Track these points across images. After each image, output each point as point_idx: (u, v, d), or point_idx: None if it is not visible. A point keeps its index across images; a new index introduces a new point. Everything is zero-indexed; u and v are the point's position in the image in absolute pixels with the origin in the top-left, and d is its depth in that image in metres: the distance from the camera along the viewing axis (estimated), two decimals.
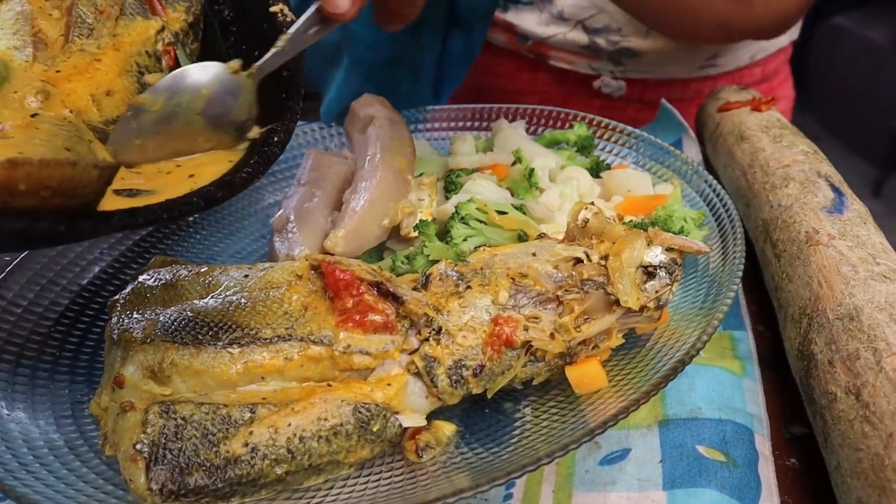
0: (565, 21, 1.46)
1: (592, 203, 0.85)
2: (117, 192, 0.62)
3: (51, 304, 0.86)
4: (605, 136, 1.18)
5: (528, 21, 1.50)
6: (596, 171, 1.09)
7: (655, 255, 0.79)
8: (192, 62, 0.79)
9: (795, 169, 0.96)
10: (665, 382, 0.70)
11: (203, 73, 0.72)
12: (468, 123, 1.24)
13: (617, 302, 0.76)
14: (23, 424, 0.71)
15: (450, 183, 1.04)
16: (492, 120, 1.24)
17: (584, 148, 1.16)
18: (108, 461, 0.69)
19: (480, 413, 0.77)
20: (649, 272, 0.78)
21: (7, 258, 0.90)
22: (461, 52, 1.38)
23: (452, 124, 1.24)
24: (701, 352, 0.84)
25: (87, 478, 0.67)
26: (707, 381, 0.82)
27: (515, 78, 1.61)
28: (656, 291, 0.78)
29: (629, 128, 1.17)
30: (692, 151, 1.27)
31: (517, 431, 0.74)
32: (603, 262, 0.79)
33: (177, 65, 0.77)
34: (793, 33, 1.57)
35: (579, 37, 1.47)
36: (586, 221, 0.83)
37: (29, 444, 0.69)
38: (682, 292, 0.88)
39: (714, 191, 1.00)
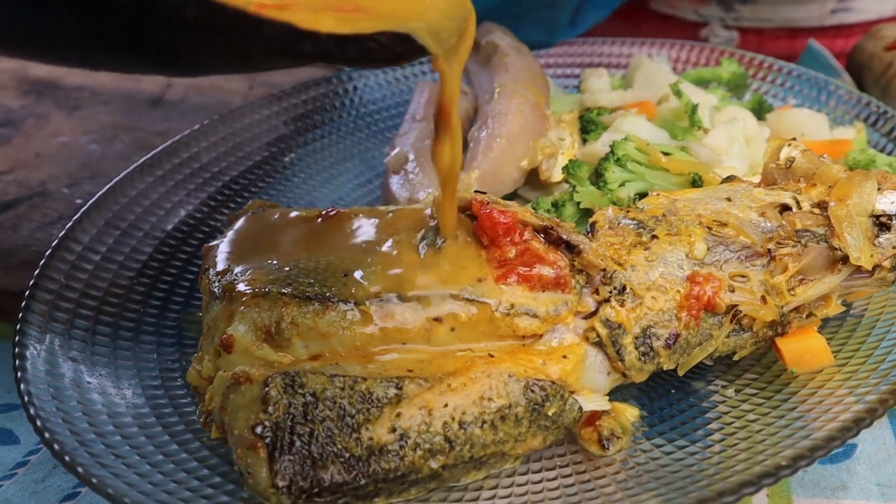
0: None
1: (795, 139, 0.68)
2: None
3: (132, 252, 0.73)
4: (760, 76, 1.01)
5: None
6: (759, 112, 0.92)
7: (892, 203, 0.62)
8: None
9: None
10: None
11: None
12: (595, 59, 1.07)
13: (843, 259, 0.60)
14: (107, 396, 0.57)
15: (588, 122, 0.88)
16: (621, 56, 1.07)
17: (737, 87, 0.99)
18: (211, 444, 0.55)
19: (665, 394, 0.62)
20: (883, 223, 0.61)
21: (79, 200, 0.76)
22: None
23: (573, 59, 1.07)
24: None
25: (187, 465, 0.53)
26: None
27: (610, 25, 1.41)
28: (894, 247, 0.61)
29: (789, 65, 1.00)
30: None
31: (722, 420, 0.58)
32: (818, 210, 0.62)
33: None
34: None
35: None
36: (791, 161, 0.66)
37: (116, 422, 0.55)
38: None
39: None
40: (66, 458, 0.48)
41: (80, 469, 0.48)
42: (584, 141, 0.86)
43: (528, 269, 0.57)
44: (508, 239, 0.57)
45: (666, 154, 0.77)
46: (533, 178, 0.82)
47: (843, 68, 1.14)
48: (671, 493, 0.49)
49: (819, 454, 0.50)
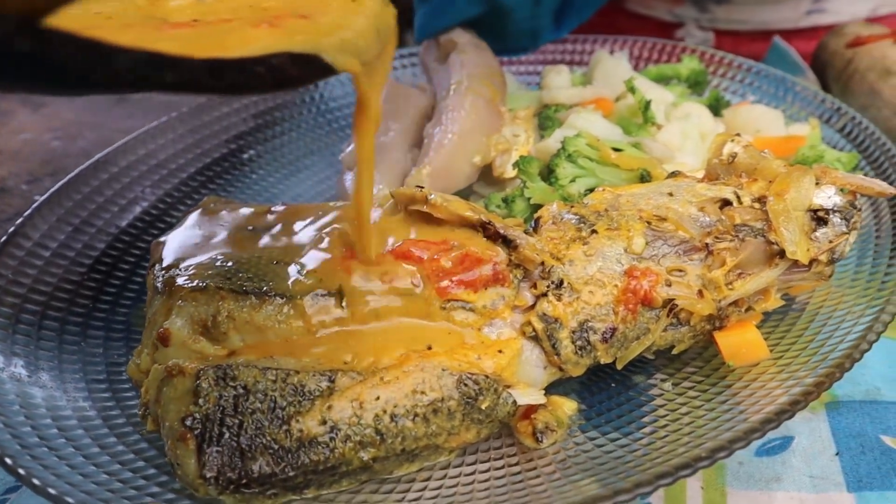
0: None
1: (739, 135, 0.69)
2: None
3: (84, 248, 0.73)
4: (721, 72, 1.01)
5: None
6: (716, 108, 0.93)
7: (828, 197, 0.63)
8: None
9: None
10: (840, 373, 0.54)
11: None
12: (557, 56, 1.07)
13: (780, 253, 0.61)
14: (47, 390, 0.58)
15: (545, 119, 0.89)
16: (583, 53, 1.08)
17: (696, 84, 0.99)
18: (149, 437, 0.56)
19: (605, 388, 0.62)
20: (820, 217, 0.62)
21: (38, 197, 0.76)
22: None
23: (539, 56, 1.08)
24: None
25: (123, 458, 0.53)
26: (882, 356, 0.67)
27: (586, 25, 1.40)
28: (829, 241, 0.62)
29: (749, 61, 1.00)
30: None
31: (657, 412, 0.58)
32: (757, 205, 0.63)
33: None
34: None
35: None
36: (734, 156, 0.67)
37: (53, 414, 0.55)
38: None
39: (865, 130, 0.83)
40: (4, 456, 0.49)
41: (19, 467, 0.49)
42: (542, 137, 0.86)
43: (466, 270, 0.57)
44: (435, 258, 0.57)
45: (616, 150, 0.77)
46: (488, 174, 0.82)
47: (808, 66, 1.15)
48: (608, 478, 0.50)
49: (754, 436, 0.50)
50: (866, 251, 0.70)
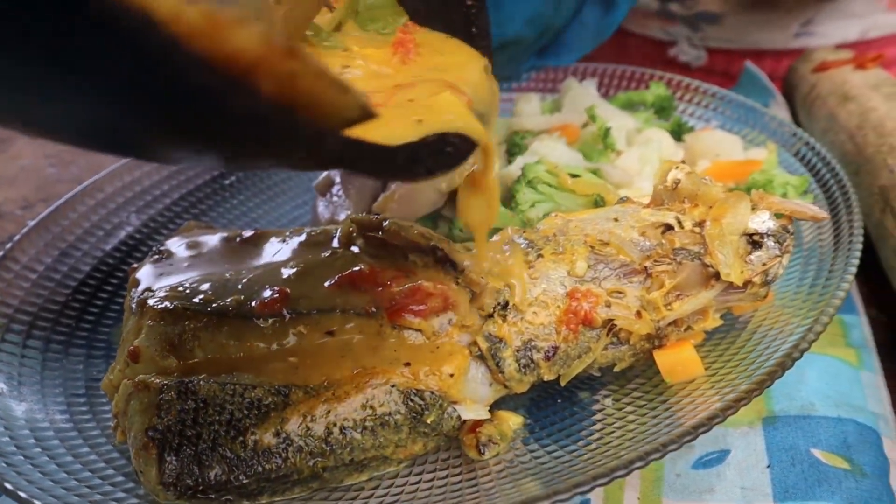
0: None
1: (683, 162, 0.73)
2: None
3: (70, 271, 0.77)
4: (687, 98, 1.06)
5: None
6: (678, 133, 0.96)
7: (762, 222, 0.66)
8: None
9: None
10: (771, 380, 0.58)
11: None
12: (531, 84, 1.12)
13: (716, 275, 0.65)
14: (28, 403, 0.62)
15: (513, 145, 0.93)
16: (557, 81, 1.12)
17: (662, 110, 1.03)
18: (120, 448, 0.60)
19: (552, 404, 0.66)
20: (755, 241, 0.66)
21: (31, 222, 0.81)
22: (593, 25, 1.12)
23: (515, 84, 1.12)
24: None
25: (94, 467, 0.57)
26: (819, 373, 0.70)
27: None
28: (763, 264, 0.65)
29: (713, 87, 1.04)
30: (781, 117, 1.13)
31: (596, 427, 0.62)
32: (697, 230, 0.67)
33: None
34: None
35: (652, 2, 1.32)
36: (677, 182, 0.71)
37: (31, 426, 0.59)
38: (785, 271, 0.75)
39: (818, 154, 0.87)
40: None
41: None
42: (509, 163, 0.91)
43: (417, 303, 0.61)
44: (385, 289, 0.61)
45: (574, 176, 0.81)
46: (455, 199, 0.86)
47: (778, 89, 1.19)
48: (551, 480, 0.53)
49: (686, 439, 0.54)
50: (808, 271, 0.73)
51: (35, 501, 0.50)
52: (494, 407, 0.64)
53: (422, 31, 0.56)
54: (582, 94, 1.01)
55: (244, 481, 0.53)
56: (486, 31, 0.55)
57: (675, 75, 1.07)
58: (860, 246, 0.70)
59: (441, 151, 0.43)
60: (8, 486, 0.51)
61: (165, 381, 0.55)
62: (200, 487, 0.52)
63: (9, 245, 0.75)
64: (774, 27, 1.30)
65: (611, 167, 0.86)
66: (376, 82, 0.49)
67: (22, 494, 0.50)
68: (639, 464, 0.52)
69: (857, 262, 0.68)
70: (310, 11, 0.52)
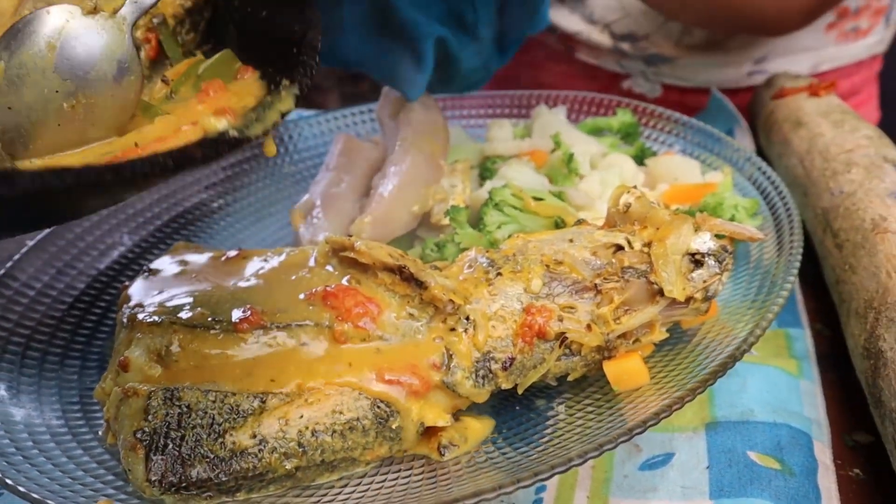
0: (594, 23, 1.38)
1: (635, 187, 0.78)
2: None
3: (66, 288, 0.83)
4: (651, 124, 1.12)
5: (557, 16, 1.41)
6: (641, 158, 1.03)
7: (703, 242, 0.72)
8: (184, 57, 0.72)
9: (859, 154, 0.89)
10: (713, 379, 0.64)
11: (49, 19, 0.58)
12: (506, 110, 1.18)
13: (660, 292, 0.70)
14: (26, 410, 0.68)
15: (485, 170, 0.99)
16: (530, 107, 1.18)
17: (628, 135, 1.09)
18: (111, 450, 0.65)
19: (510, 411, 0.71)
20: (696, 260, 0.71)
21: (28, 240, 0.86)
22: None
23: (489, 111, 1.19)
24: (754, 350, 0.79)
25: (86, 466, 0.63)
26: (760, 382, 0.76)
27: (544, 69, 1.51)
28: (704, 281, 0.71)
29: (676, 114, 1.10)
30: (745, 142, 1.19)
31: (549, 430, 0.68)
32: (646, 250, 0.72)
33: (160, 55, 0.71)
34: (874, 46, 1.40)
35: (605, 40, 1.39)
36: (628, 206, 0.77)
37: (30, 430, 0.65)
38: (732, 286, 0.81)
39: (768, 178, 0.93)
40: None
41: None
42: (482, 186, 0.97)
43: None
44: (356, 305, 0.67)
45: (537, 199, 0.87)
46: (428, 221, 0.92)
47: (742, 115, 1.25)
48: (502, 476, 0.59)
49: (637, 431, 0.59)
50: (751, 286, 0.79)
51: (33, 495, 0.55)
52: (461, 413, 0.69)
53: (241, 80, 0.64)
54: (551, 120, 1.07)
55: (223, 479, 0.59)
56: (308, 67, 0.61)
57: (641, 102, 1.13)
58: (798, 263, 0.76)
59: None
60: (8, 482, 0.56)
61: (153, 388, 0.61)
62: (183, 484, 0.58)
63: (9, 264, 0.81)
64: (728, 66, 1.37)
65: (574, 190, 0.92)
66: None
67: (21, 489, 0.55)
68: (594, 454, 0.58)
69: (793, 277, 0.74)
70: (125, 101, 0.59)
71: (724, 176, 0.98)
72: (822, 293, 0.89)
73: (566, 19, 1.40)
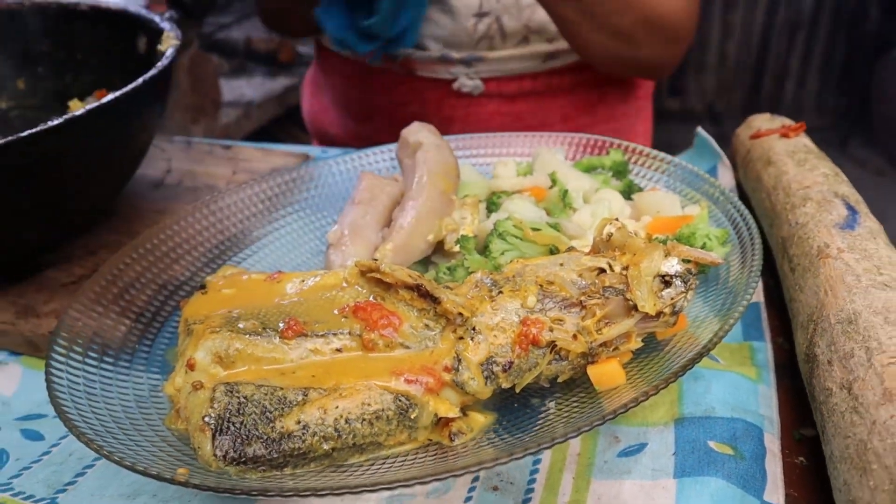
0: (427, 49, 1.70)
1: (617, 219, 0.92)
2: None
3: (131, 302, 0.97)
4: (640, 162, 1.25)
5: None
6: (628, 193, 1.16)
7: (672, 266, 0.86)
8: None
9: (815, 190, 1.02)
10: (674, 378, 0.77)
11: None
12: (511, 150, 1.32)
13: (635, 307, 0.84)
14: (109, 401, 0.82)
15: (491, 204, 1.13)
16: (534, 146, 1.33)
17: (619, 173, 1.23)
18: (176, 434, 0.79)
19: (509, 406, 0.85)
20: (666, 281, 0.85)
21: (104, 255, 1.01)
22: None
23: (497, 150, 1.33)
24: (721, 359, 0.92)
25: (159, 445, 0.77)
26: (723, 385, 0.88)
27: (395, 90, 1.78)
28: (671, 298, 0.85)
29: (662, 154, 1.24)
30: (727, 177, 1.33)
31: (540, 422, 0.81)
32: (624, 272, 0.86)
33: None
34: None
35: (435, 51, 1.69)
36: (610, 235, 0.90)
37: (114, 417, 0.79)
38: (702, 303, 0.94)
39: (738, 211, 1.06)
40: (86, 438, 0.73)
41: (97, 445, 0.72)
42: (488, 218, 1.11)
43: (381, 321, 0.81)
44: (382, 318, 0.81)
45: (535, 229, 1.01)
46: (442, 248, 1.06)
47: (724, 153, 1.39)
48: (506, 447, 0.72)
49: (608, 418, 0.72)
50: (717, 303, 0.92)
51: (126, 462, 0.69)
52: (470, 409, 0.83)
53: None
54: (551, 159, 1.21)
55: (274, 456, 0.72)
56: None
57: (631, 143, 1.27)
58: (755, 283, 0.88)
59: None
60: (105, 451, 0.70)
61: (216, 383, 0.75)
62: (242, 459, 0.71)
63: (86, 283, 0.95)
64: (525, 59, 1.70)
65: (568, 222, 1.06)
66: None
67: (116, 457, 0.70)
68: (573, 434, 0.70)
69: (750, 294, 0.86)
70: None
71: (700, 209, 1.12)
72: (783, 312, 1.02)
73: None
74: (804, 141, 1.24)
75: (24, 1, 1.35)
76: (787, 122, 1.35)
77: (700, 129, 1.44)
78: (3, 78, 1.40)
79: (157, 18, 1.24)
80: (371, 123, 1.85)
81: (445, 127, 1.50)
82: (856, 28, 6.41)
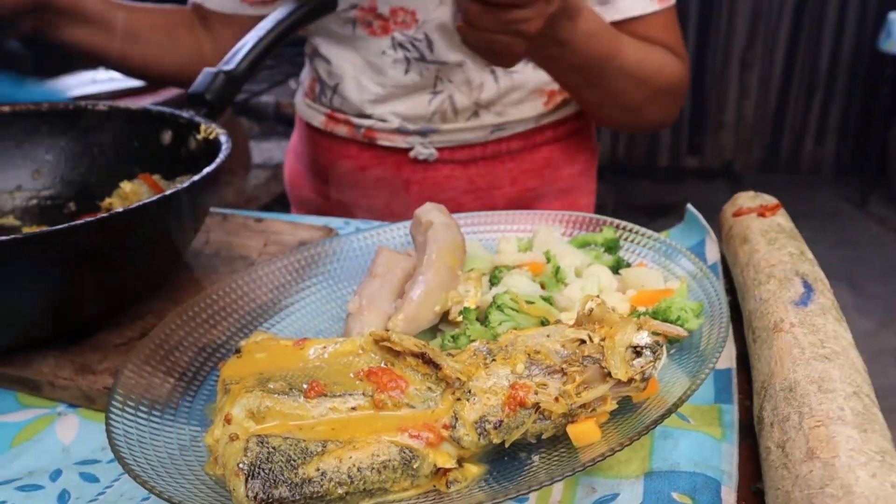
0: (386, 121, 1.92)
1: (598, 296, 1.06)
2: None
3: (173, 363, 1.12)
4: (630, 238, 1.39)
5: (362, 120, 1.96)
6: (617, 268, 1.30)
7: (642, 338, 0.99)
8: None
9: (779, 268, 1.15)
10: (642, 434, 0.89)
11: None
12: (514, 227, 1.47)
13: (609, 374, 0.97)
14: (156, 449, 0.96)
15: (494, 277, 1.27)
16: (535, 223, 1.47)
17: (610, 248, 1.37)
18: (214, 478, 0.93)
19: (500, 459, 0.98)
20: (637, 351, 0.98)
21: (150, 319, 1.16)
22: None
23: (502, 227, 1.47)
24: (691, 419, 1.04)
25: (199, 487, 0.90)
26: (690, 443, 1.01)
27: (358, 158, 2.00)
28: (642, 367, 0.97)
29: (650, 231, 1.38)
30: (713, 251, 1.46)
31: (525, 471, 0.94)
32: (602, 343, 0.99)
33: None
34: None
35: (392, 122, 1.91)
36: (591, 310, 1.04)
37: (160, 461, 0.93)
38: (676, 368, 1.07)
39: (713, 285, 1.19)
40: (141, 480, 0.87)
41: (150, 485, 0.86)
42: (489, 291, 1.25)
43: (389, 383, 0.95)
44: (391, 381, 0.95)
45: (529, 302, 1.15)
46: (447, 318, 1.20)
47: (710, 228, 1.52)
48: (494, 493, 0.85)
49: (578, 470, 0.85)
50: (687, 367, 1.05)
51: (174, 500, 0.83)
52: (462, 460, 0.96)
53: None
54: (548, 236, 1.35)
55: (297, 498, 0.86)
56: None
57: (622, 221, 1.41)
58: (719, 353, 1.01)
59: None
60: (156, 490, 0.84)
61: (249, 435, 0.89)
62: (270, 500, 0.85)
63: (137, 345, 1.10)
64: (476, 131, 1.91)
65: (559, 295, 1.19)
66: None
67: (166, 496, 0.83)
68: (536, 486, 0.84)
69: (713, 363, 0.99)
70: None
71: (680, 283, 1.25)
72: (750, 378, 1.14)
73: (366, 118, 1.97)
74: (779, 220, 1.37)
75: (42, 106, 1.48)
76: (768, 200, 1.49)
77: (690, 207, 1.58)
78: (21, 173, 1.50)
79: (184, 114, 1.40)
80: (338, 185, 2.10)
81: (404, 189, 1.85)
82: (872, 87, 6.54)
